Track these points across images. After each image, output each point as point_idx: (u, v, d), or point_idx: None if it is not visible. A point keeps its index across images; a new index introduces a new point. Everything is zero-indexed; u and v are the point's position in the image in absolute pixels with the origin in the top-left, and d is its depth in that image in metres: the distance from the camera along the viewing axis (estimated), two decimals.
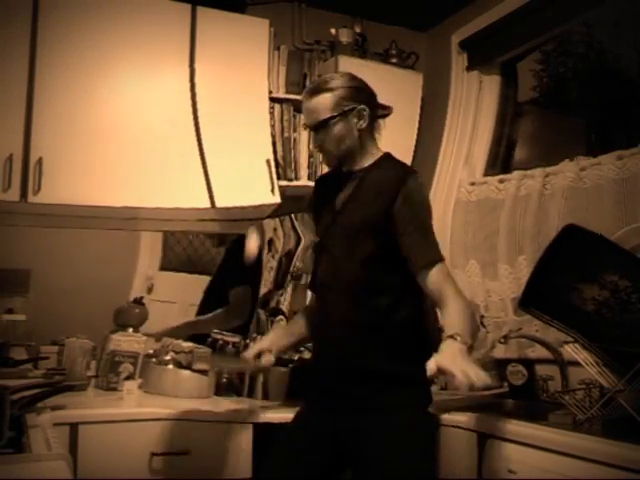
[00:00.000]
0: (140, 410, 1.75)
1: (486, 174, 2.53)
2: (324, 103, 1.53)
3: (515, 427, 1.54)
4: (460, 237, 2.36)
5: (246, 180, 2.11)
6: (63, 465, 1.09)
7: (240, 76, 2.18)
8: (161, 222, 2.24)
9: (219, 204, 2.05)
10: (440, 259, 1.45)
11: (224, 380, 2.09)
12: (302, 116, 1.79)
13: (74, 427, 1.61)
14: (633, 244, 1.68)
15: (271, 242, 2.58)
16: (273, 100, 2.35)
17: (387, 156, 1.62)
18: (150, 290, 2.53)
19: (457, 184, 2.48)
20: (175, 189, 2.03)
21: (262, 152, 2.15)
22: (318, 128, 1.54)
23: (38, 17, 1.93)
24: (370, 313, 1.48)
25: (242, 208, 2.11)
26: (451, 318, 1.39)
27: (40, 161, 1.88)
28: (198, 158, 2.07)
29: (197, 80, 2.11)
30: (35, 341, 2.12)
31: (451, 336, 1.32)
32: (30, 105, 1.91)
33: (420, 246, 1.45)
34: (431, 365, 1.25)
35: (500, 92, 2.59)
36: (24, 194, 1.88)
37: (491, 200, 2.33)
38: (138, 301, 2.24)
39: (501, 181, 2.34)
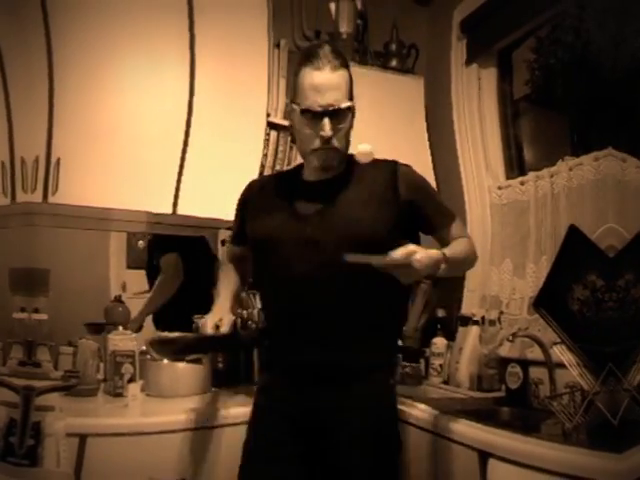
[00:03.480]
0: (143, 421, 1.84)
1: (508, 177, 2.70)
2: (345, 82, 1.39)
3: (512, 443, 1.57)
4: (498, 237, 2.61)
5: (218, 195, 2.22)
6: None
7: (239, 93, 2.28)
8: (129, 223, 2.47)
9: (182, 212, 2.22)
10: (455, 216, 1.65)
11: (220, 366, 2.18)
12: (304, 98, 1.40)
13: (83, 439, 1.69)
14: (607, 244, 1.78)
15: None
16: (270, 126, 2.34)
17: (353, 159, 1.61)
18: (124, 288, 2.79)
19: (487, 189, 2.70)
20: (146, 193, 2.18)
21: (247, 175, 2.20)
22: (336, 113, 1.38)
23: (49, 19, 2.03)
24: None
25: (201, 219, 2.30)
26: (453, 245, 1.56)
27: (58, 162, 2.01)
28: (177, 166, 2.22)
29: (195, 98, 2.24)
30: (54, 341, 2.17)
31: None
32: (52, 106, 2.02)
33: (439, 210, 1.63)
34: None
35: (498, 88, 2.74)
36: (45, 195, 2.03)
37: (519, 202, 2.52)
38: (118, 299, 2.43)
39: (522, 183, 2.51)
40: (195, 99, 2.24)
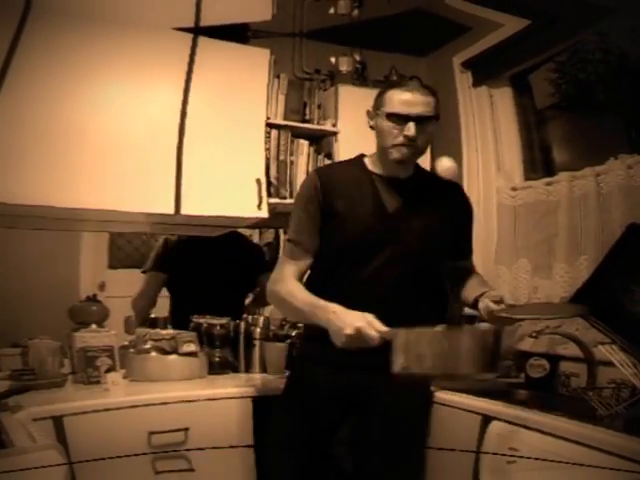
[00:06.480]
0: (132, 398, 1.85)
1: (527, 179, 2.70)
2: (431, 102, 1.83)
3: (524, 413, 1.61)
4: (508, 238, 2.63)
5: (228, 194, 2.30)
6: (54, 454, 1.15)
7: (237, 99, 2.37)
8: (124, 224, 2.45)
9: (187, 212, 2.22)
10: None
11: (217, 359, 2.34)
12: (375, 113, 1.84)
13: (58, 420, 1.68)
14: None
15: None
16: (270, 125, 2.55)
17: (419, 166, 1.97)
18: (102, 288, 2.74)
19: (494, 190, 2.72)
20: (138, 195, 2.13)
21: (252, 171, 2.36)
22: (421, 120, 1.80)
23: (27, 17, 2.01)
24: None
25: (212, 217, 2.32)
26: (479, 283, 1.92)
27: None
28: (174, 170, 2.21)
29: (190, 99, 2.26)
30: None
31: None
32: None
33: (470, 239, 2.00)
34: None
35: (515, 102, 2.83)
36: None
37: (542, 203, 2.49)
38: (92, 299, 2.35)
39: (549, 184, 2.48)
40: (189, 104, 2.27)
